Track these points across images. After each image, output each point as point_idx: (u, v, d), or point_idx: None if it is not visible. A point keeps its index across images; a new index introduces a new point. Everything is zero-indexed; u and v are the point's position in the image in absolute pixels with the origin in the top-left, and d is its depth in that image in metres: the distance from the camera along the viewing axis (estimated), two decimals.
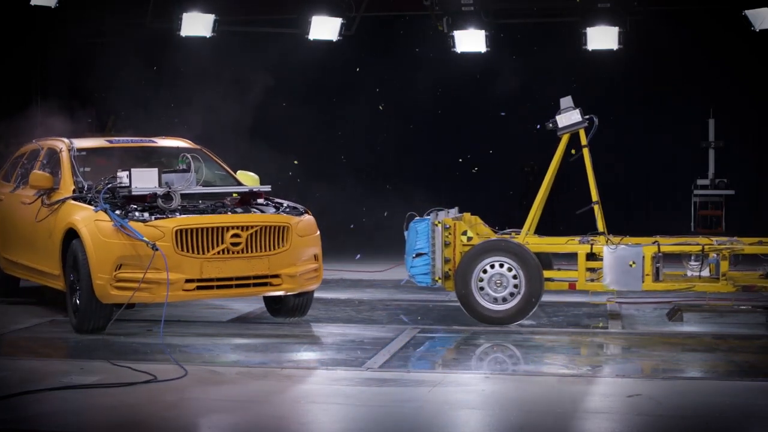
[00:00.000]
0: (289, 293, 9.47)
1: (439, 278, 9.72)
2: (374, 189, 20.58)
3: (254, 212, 9.40)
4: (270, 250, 9.13)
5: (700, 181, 17.65)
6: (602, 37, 14.90)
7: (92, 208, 9.06)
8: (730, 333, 9.32)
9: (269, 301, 9.96)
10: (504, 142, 20.24)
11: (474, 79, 19.15)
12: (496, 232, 10.13)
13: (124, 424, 6.22)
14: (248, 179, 10.31)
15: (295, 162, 19.77)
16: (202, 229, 8.91)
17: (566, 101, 10.03)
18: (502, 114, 20.15)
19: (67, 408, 6.55)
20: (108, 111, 18.75)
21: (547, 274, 9.61)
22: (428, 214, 9.85)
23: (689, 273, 9.65)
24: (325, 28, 15.43)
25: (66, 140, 10.39)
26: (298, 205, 9.80)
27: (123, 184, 9.20)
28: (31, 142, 11.41)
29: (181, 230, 8.84)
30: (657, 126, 19.59)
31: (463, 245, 9.66)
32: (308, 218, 9.67)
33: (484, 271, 9.48)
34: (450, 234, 9.67)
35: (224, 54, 17.84)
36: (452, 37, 15.41)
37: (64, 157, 10.06)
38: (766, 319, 9.74)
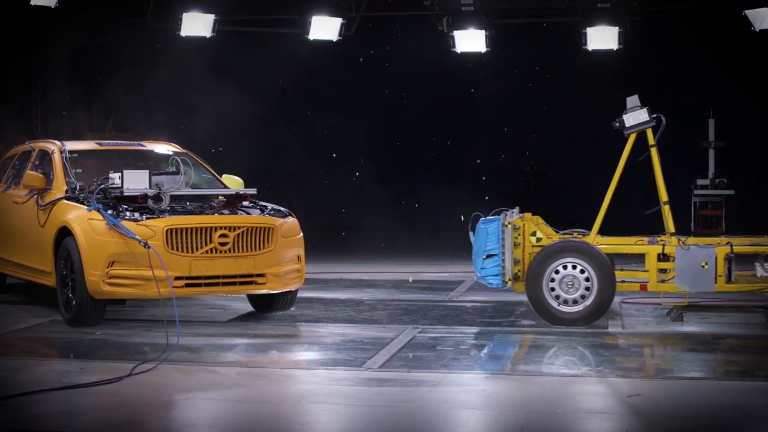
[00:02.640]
0: (273, 292, 9.76)
1: (509, 279, 9.61)
2: (375, 189, 20.59)
3: (241, 214, 9.71)
4: (256, 250, 9.45)
5: (700, 181, 17.65)
6: (602, 37, 14.88)
7: (85, 207, 9.37)
8: (730, 333, 9.32)
9: (254, 297, 10.24)
10: (504, 142, 20.27)
11: (474, 79, 19.16)
12: (556, 233, 9.96)
13: (124, 424, 6.22)
14: (233, 183, 10.63)
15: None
16: (192, 229, 9.23)
17: (633, 100, 9.88)
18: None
19: (67, 408, 6.55)
20: (107, 111, 18.76)
21: (617, 275, 9.50)
22: (493, 215, 9.76)
23: (759, 274, 9.52)
24: (325, 28, 15.42)
25: (57, 142, 10.68)
26: (282, 208, 10.07)
27: (115, 185, 9.53)
28: (23, 143, 11.66)
29: (171, 230, 9.16)
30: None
31: (533, 246, 9.56)
32: (292, 220, 9.95)
33: (556, 272, 9.37)
34: (519, 235, 9.58)
35: (224, 54, 17.85)
36: (452, 37, 15.40)
37: (56, 158, 10.33)
38: (766, 319, 9.73)
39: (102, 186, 9.59)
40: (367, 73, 20.23)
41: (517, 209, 10.09)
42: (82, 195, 9.66)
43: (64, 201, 9.69)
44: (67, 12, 15.73)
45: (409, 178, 20.85)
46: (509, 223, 9.59)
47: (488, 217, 9.77)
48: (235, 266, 9.32)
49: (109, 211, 9.22)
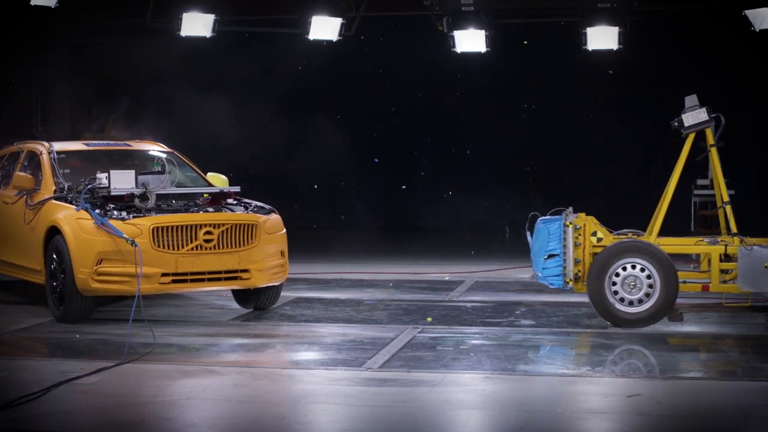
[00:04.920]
0: (257, 286, 9.96)
1: (570, 280, 9.56)
2: (374, 188, 20.59)
3: (225, 211, 9.96)
4: (239, 246, 9.71)
5: (700, 181, 17.61)
6: (602, 37, 14.87)
7: (74, 207, 9.64)
8: (730, 333, 9.32)
9: (238, 292, 10.45)
10: (503, 141, 20.27)
11: (474, 79, 19.15)
12: (611, 233, 9.84)
13: (125, 424, 6.22)
14: (218, 181, 10.89)
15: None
16: (177, 226, 9.50)
17: (691, 99, 9.85)
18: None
19: (67, 408, 6.55)
20: (107, 111, 18.77)
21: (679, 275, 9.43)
22: (551, 215, 9.69)
23: None
24: (325, 28, 15.41)
25: (46, 143, 10.96)
26: (265, 205, 10.35)
27: (102, 185, 9.80)
28: (12, 144, 11.90)
29: (157, 228, 9.42)
30: (656, 126, 19.58)
31: (593, 246, 9.53)
32: (275, 217, 10.22)
33: (617, 274, 9.33)
34: (580, 235, 9.55)
35: (224, 54, 17.85)
36: (452, 37, 15.39)
37: (45, 159, 10.58)
38: (766, 319, 9.74)
39: (90, 186, 9.85)
40: (367, 73, 20.22)
41: (570, 209, 9.91)
42: (71, 195, 9.91)
43: (53, 201, 9.95)
44: (67, 12, 15.74)
45: (408, 177, 20.84)
46: (571, 223, 9.54)
47: (547, 217, 9.71)
48: (220, 262, 9.58)
49: (97, 211, 9.49)
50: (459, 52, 15.54)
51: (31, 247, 10.11)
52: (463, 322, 9.89)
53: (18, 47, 18.09)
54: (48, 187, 10.23)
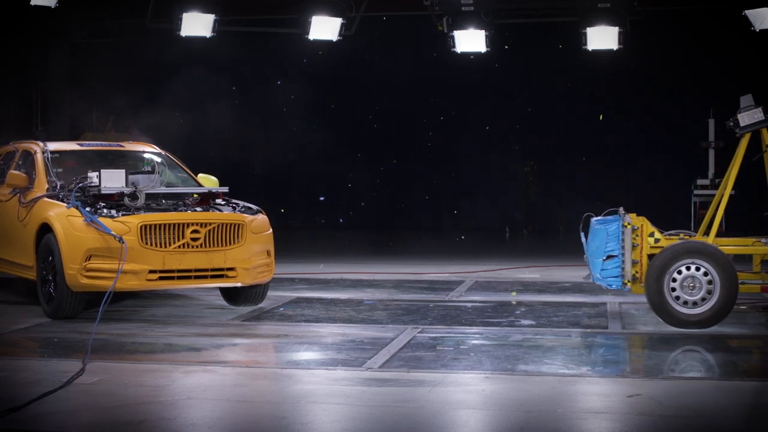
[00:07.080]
0: (243, 285, 10.14)
1: (628, 281, 9.50)
2: (374, 188, 20.60)
3: (213, 211, 10.13)
4: (226, 245, 9.92)
5: (700, 181, 17.63)
6: (602, 37, 14.87)
7: (65, 205, 9.85)
8: (730, 333, 9.32)
9: (225, 290, 10.62)
10: (503, 141, 20.28)
11: (474, 79, 19.17)
12: (662, 233, 9.70)
13: (124, 424, 6.22)
14: (208, 181, 11.07)
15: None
16: (165, 225, 9.69)
17: (746, 99, 9.79)
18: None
19: (67, 408, 6.55)
20: (108, 111, 18.79)
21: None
22: (605, 215, 9.61)
23: None
24: (325, 28, 15.42)
25: (40, 143, 11.21)
26: (252, 206, 10.54)
27: (93, 184, 10.01)
28: (7, 144, 12.08)
29: (145, 226, 9.61)
30: (657, 126, 19.61)
31: (651, 247, 9.48)
32: (262, 217, 10.41)
33: (674, 279, 9.27)
34: (637, 236, 9.50)
35: (224, 54, 17.86)
36: (452, 37, 15.39)
37: (39, 158, 10.79)
38: (766, 319, 9.73)
39: (81, 185, 10.05)
40: (366, 73, 20.23)
41: (621, 209, 9.77)
42: (62, 193, 10.10)
43: (45, 199, 10.15)
44: (67, 12, 15.75)
45: (408, 177, 20.85)
46: (628, 223, 9.48)
47: (602, 218, 9.65)
48: (206, 260, 9.79)
49: (87, 209, 9.68)
50: (459, 52, 15.54)
51: (24, 244, 10.30)
52: (463, 322, 9.89)
53: (18, 47, 18.10)
54: (41, 186, 10.41)
